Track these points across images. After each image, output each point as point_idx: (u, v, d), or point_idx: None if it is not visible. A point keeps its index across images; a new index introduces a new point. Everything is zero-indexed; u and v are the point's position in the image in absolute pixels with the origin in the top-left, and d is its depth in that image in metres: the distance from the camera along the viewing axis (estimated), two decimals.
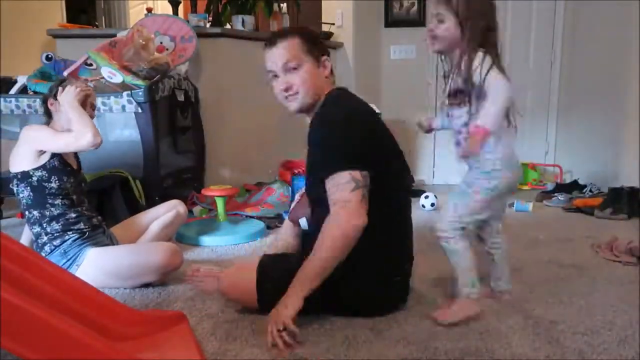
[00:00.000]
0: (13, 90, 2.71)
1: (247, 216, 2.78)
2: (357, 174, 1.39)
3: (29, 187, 1.80)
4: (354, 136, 1.44)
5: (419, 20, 4.11)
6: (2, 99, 2.60)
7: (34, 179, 1.79)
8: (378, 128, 1.57)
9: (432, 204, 3.12)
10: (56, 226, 1.80)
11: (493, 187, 1.49)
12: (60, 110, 1.84)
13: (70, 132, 1.77)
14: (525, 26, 4.07)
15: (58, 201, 1.81)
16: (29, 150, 1.79)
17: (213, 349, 1.33)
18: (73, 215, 1.83)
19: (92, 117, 1.87)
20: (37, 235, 1.82)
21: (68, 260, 1.76)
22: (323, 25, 4.21)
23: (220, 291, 1.57)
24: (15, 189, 1.83)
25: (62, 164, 1.83)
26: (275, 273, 1.50)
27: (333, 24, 4.15)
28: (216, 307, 1.60)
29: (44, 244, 1.80)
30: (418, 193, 3.37)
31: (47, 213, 1.80)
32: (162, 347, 1.28)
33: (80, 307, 1.23)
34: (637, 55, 3.52)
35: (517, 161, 1.55)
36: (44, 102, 1.91)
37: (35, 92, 2.65)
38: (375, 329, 1.44)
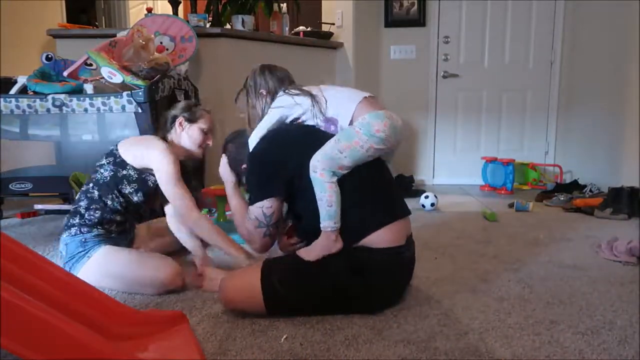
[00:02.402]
0: (13, 90, 2.71)
1: None
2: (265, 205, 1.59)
3: (112, 172, 1.85)
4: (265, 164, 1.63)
5: (419, 20, 4.12)
6: (2, 99, 2.60)
7: (123, 172, 1.85)
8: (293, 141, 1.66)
9: (432, 204, 3.12)
10: (95, 216, 1.82)
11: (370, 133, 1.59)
12: (185, 133, 1.97)
13: (184, 194, 1.83)
14: (525, 26, 4.08)
15: (117, 201, 1.85)
16: (143, 156, 1.85)
17: (213, 349, 1.33)
18: (115, 217, 1.86)
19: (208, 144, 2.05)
20: (74, 213, 1.84)
21: (84, 250, 1.77)
22: (323, 25, 4.22)
23: (223, 300, 1.56)
24: (102, 161, 1.88)
25: (154, 186, 1.89)
26: (280, 270, 1.52)
27: (333, 24, 4.15)
28: (216, 307, 1.60)
29: (73, 225, 1.81)
30: (418, 193, 3.37)
31: (100, 202, 1.83)
32: (162, 347, 1.28)
33: (80, 307, 1.23)
34: (637, 55, 3.52)
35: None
36: (173, 119, 1.98)
37: (35, 92, 2.65)
38: (375, 329, 1.44)
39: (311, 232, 1.56)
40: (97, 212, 1.83)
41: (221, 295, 1.56)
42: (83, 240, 1.79)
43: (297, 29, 4.01)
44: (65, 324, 1.00)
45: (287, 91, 1.74)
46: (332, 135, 1.61)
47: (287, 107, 1.70)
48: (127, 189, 1.85)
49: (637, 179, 3.27)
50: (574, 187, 3.58)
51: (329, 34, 4.11)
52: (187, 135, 1.98)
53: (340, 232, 1.54)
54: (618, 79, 3.76)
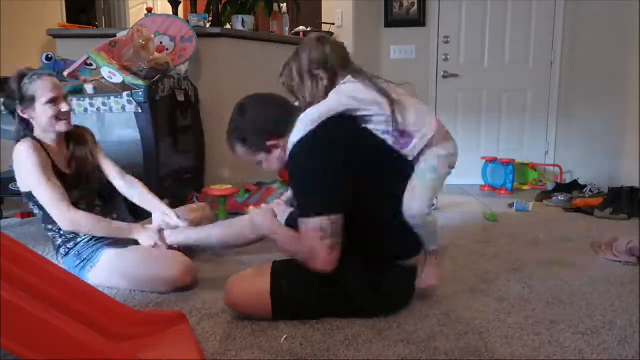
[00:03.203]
0: None
1: None
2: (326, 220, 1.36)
3: (37, 206, 1.80)
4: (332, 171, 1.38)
5: (419, 20, 4.12)
6: (2, 99, 2.60)
7: (38, 199, 1.76)
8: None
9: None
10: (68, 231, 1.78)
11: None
12: (33, 120, 1.77)
13: (58, 201, 1.69)
14: (525, 26, 4.07)
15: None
16: (23, 179, 1.74)
17: (213, 349, 1.33)
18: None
19: None
20: (53, 238, 1.83)
21: (82, 261, 1.77)
22: (323, 25, 4.22)
23: (229, 303, 1.52)
24: (27, 202, 1.82)
25: (63, 183, 1.76)
26: (292, 274, 1.47)
27: (333, 24, 4.15)
28: (216, 307, 1.60)
29: (59, 246, 1.81)
30: None
31: (56, 224, 1.78)
32: (162, 347, 1.28)
33: (80, 307, 1.23)
34: (637, 55, 3.52)
35: None
36: (12, 110, 1.78)
37: None
38: (375, 329, 1.44)
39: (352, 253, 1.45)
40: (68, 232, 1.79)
41: (227, 298, 1.51)
42: (76, 253, 1.78)
43: (297, 29, 4.01)
44: (65, 324, 1.00)
45: (363, 80, 1.47)
46: (398, 155, 1.46)
47: (362, 101, 1.44)
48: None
49: (637, 179, 3.27)
50: (574, 187, 3.58)
51: (329, 34, 4.11)
52: (37, 121, 1.76)
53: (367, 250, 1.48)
54: (618, 79, 3.76)
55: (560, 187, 3.62)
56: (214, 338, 1.39)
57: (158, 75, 2.74)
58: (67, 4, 4.36)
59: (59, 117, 1.76)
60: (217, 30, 3.33)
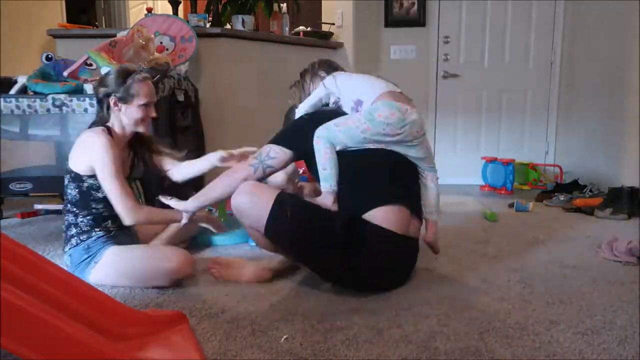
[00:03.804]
0: (13, 91, 2.71)
1: None
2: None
3: (77, 190, 1.82)
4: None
5: (419, 20, 4.12)
6: (2, 99, 2.60)
7: (85, 185, 1.81)
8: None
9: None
10: (88, 221, 1.82)
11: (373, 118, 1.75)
12: (123, 114, 1.85)
13: (125, 196, 1.77)
14: (525, 26, 4.07)
15: (100, 205, 1.83)
16: (86, 160, 1.80)
17: (213, 349, 1.33)
18: (107, 214, 1.84)
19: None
20: (68, 226, 1.84)
21: (89, 256, 1.78)
22: (323, 25, 4.22)
23: (233, 203, 1.67)
24: (65, 180, 1.85)
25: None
26: (294, 201, 1.67)
27: (333, 24, 4.15)
28: (216, 307, 1.60)
29: (72, 236, 1.81)
30: None
31: (86, 211, 1.82)
32: (162, 347, 1.28)
33: (80, 307, 1.23)
34: (637, 55, 3.52)
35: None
36: (106, 97, 1.84)
37: (35, 92, 2.65)
38: (375, 329, 1.44)
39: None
40: (87, 218, 1.82)
41: (233, 197, 1.66)
42: (86, 247, 1.79)
43: (297, 29, 4.01)
44: (65, 324, 1.00)
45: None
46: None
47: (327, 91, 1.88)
48: (100, 195, 1.82)
49: (637, 179, 3.27)
50: (574, 187, 3.58)
51: (329, 34, 4.11)
52: (125, 116, 1.86)
53: (343, 200, 1.68)
54: (618, 79, 3.75)
55: (560, 187, 3.62)
56: (214, 338, 1.39)
57: (158, 75, 2.73)
58: (67, 4, 4.37)
59: (145, 119, 1.88)
60: (217, 30, 3.33)
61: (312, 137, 1.72)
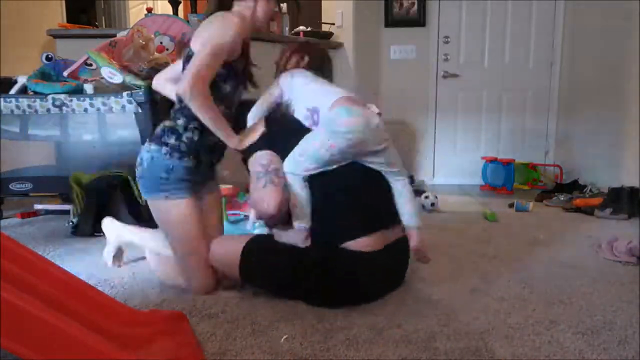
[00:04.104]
0: (13, 90, 2.71)
1: (247, 216, 2.78)
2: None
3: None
4: None
5: (419, 20, 4.12)
6: (2, 99, 2.60)
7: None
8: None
9: (432, 204, 3.12)
10: (190, 138, 1.68)
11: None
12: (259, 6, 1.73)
13: (204, 80, 1.56)
14: (525, 26, 4.07)
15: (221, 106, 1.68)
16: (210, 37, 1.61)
17: (213, 349, 1.33)
18: (205, 142, 1.70)
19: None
20: (171, 131, 1.69)
21: (167, 179, 1.65)
22: (323, 25, 4.22)
23: (210, 257, 1.69)
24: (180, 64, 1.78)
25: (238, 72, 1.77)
26: (261, 243, 1.66)
27: (333, 24, 4.15)
28: (216, 307, 1.60)
29: (166, 143, 1.66)
30: (418, 193, 3.37)
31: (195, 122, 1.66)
32: (162, 347, 1.28)
33: (80, 307, 1.23)
34: (637, 55, 3.52)
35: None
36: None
37: (35, 92, 2.65)
38: (375, 329, 1.44)
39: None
40: (194, 133, 1.67)
41: (210, 254, 1.68)
42: (170, 168, 1.65)
43: (297, 29, 4.01)
44: (65, 324, 1.00)
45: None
46: (304, 128, 1.71)
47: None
48: (226, 89, 1.70)
49: (637, 179, 3.27)
50: (574, 187, 3.58)
51: (329, 34, 4.11)
52: (260, 9, 1.73)
53: (317, 231, 1.61)
54: (618, 79, 3.76)
55: (560, 187, 3.62)
56: (214, 338, 1.39)
57: None
58: (67, 4, 4.36)
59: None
60: None
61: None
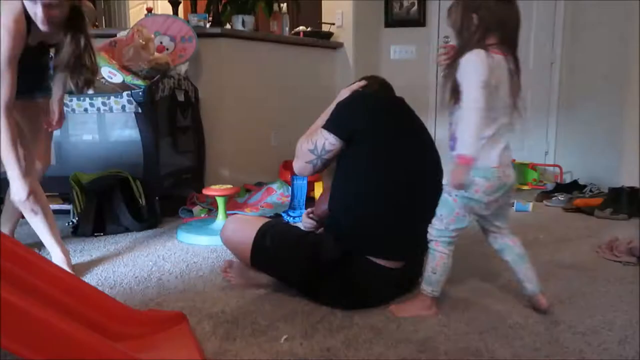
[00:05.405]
0: None
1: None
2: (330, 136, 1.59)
3: None
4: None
5: (419, 20, 4.12)
6: None
7: None
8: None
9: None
10: None
11: (470, 195, 1.46)
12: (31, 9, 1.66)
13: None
14: (525, 26, 4.05)
15: None
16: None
17: (213, 349, 1.33)
18: None
19: None
20: None
21: None
22: (323, 25, 4.22)
23: (222, 236, 1.72)
24: None
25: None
26: (276, 231, 1.64)
27: (333, 24, 4.15)
28: (216, 307, 1.60)
29: None
30: None
31: None
32: (162, 347, 1.28)
33: (80, 307, 1.23)
34: (637, 55, 3.52)
35: (494, 170, 1.45)
36: None
37: None
38: (375, 329, 1.44)
39: (333, 213, 1.65)
40: None
41: (222, 232, 1.72)
42: None
43: (297, 29, 4.01)
44: (65, 324, 1.00)
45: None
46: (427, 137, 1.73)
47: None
48: None
49: (637, 179, 3.27)
50: (574, 187, 3.57)
51: (329, 34, 4.11)
52: (33, 12, 1.65)
53: (345, 233, 1.56)
54: (618, 79, 3.75)
55: (560, 187, 3.61)
56: (214, 338, 1.39)
57: (158, 75, 2.74)
58: None
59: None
60: (217, 30, 3.33)
61: (362, 118, 1.59)
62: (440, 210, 1.51)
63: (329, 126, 1.60)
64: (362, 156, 1.58)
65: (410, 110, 1.76)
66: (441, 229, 1.50)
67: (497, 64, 1.41)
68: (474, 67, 1.39)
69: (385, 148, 1.59)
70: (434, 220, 1.52)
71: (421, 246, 1.55)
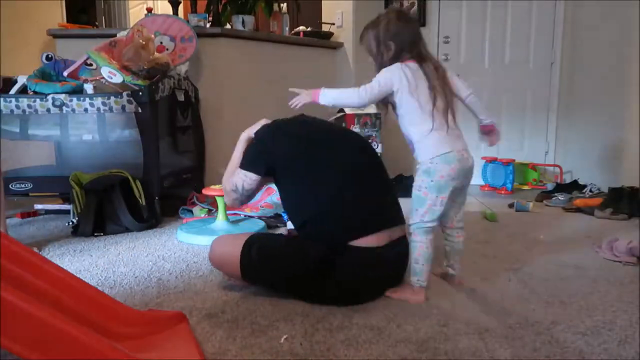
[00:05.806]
0: (13, 90, 2.71)
1: (246, 216, 2.78)
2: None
3: None
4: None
5: (419, 20, 4.12)
6: (2, 99, 2.60)
7: None
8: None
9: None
10: None
11: (436, 184, 1.62)
12: None
13: None
14: (525, 26, 4.07)
15: None
16: None
17: (213, 349, 1.33)
18: None
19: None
20: None
21: None
22: (323, 25, 4.22)
23: (210, 258, 1.74)
24: None
25: None
26: (261, 242, 1.66)
27: (333, 24, 4.15)
28: (216, 307, 1.60)
29: None
30: None
31: None
32: (162, 347, 1.28)
33: (80, 307, 1.23)
34: (637, 55, 3.52)
35: (453, 154, 1.64)
36: None
37: (35, 92, 2.65)
38: (375, 329, 1.44)
39: (295, 225, 1.72)
40: None
41: (209, 254, 1.73)
42: None
43: (297, 29, 4.01)
44: (65, 324, 1.00)
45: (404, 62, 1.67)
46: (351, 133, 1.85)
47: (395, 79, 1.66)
48: None
49: (637, 179, 3.27)
50: (574, 187, 3.58)
51: (329, 34, 4.11)
52: None
53: (325, 231, 1.62)
54: (618, 79, 3.75)
55: (560, 187, 3.62)
56: (214, 338, 1.39)
57: (158, 75, 2.74)
58: (67, 4, 4.37)
59: None
60: (217, 30, 3.33)
61: (278, 148, 1.67)
62: (414, 205, 1.66)
63: (246, 166, 1.71)
64: (293, 174, 1.67)
65: (318, 121, 1.86)
66: (417, 221, 1.65)
67: (414, 70, 1.66)
68: (388, 70, 1.67)
69: (311, 159, 1.67)
70: (411, 215, 1.66)
71: (392, 216, 1.68)
